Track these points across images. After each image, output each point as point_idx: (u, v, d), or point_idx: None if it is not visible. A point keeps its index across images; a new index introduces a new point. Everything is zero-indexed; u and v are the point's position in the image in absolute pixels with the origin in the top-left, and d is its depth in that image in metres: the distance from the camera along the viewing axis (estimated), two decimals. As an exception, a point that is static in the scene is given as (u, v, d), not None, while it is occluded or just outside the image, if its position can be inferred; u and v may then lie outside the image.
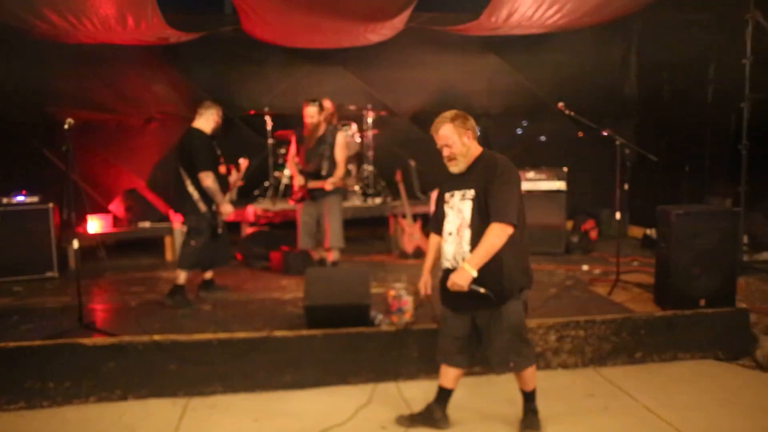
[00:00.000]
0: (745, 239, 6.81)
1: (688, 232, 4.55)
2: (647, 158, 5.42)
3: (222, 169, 5.10)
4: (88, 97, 7.53)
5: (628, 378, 4.23)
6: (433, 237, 3.45)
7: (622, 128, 7.90)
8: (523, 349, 3.29)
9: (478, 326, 3.30)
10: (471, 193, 3.14)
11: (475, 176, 3.17)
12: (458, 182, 3.22)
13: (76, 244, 4.55)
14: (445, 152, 3.19)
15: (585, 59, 7.84)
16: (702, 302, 4.56)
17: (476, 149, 3.24)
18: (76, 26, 5.76)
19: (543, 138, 8.55)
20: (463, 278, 3.04)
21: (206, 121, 5.04)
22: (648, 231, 7.30)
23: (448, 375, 3.46)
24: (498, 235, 3.03)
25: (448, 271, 3.21)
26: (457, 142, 3.16)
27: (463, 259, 3.10)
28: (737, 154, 6.18)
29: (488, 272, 3.07)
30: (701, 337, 4.53)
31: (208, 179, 4.87)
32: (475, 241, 3.09)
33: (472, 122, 3.20)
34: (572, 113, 5.28)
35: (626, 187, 5.53)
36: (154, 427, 3.66)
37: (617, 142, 5.16)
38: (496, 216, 3.05)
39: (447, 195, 3.29)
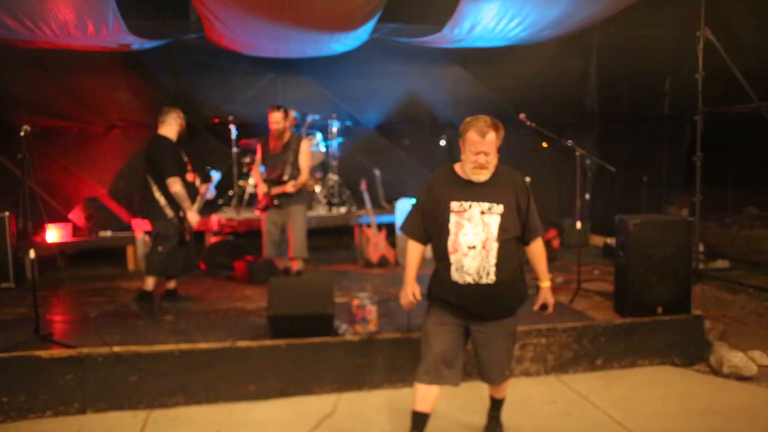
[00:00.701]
0: (701, 248, 7.02)
1: (645, 241, 4.66)
2: (606, 169, 5.56)
3: (189, 177, 5.07)
4: (46, 104, 7.37)
5: (589, 385, 4.31)
6: (416, 246, 3.25)
7: (583, 139, 8.09)
8: (513, 356, 3.39)
9: (474, 338, 3.16)
10: (499, 208, 3.00)
11: (501, 191, 3.04)
12: (477, 193, 3.01)
13: (32, 253, 4.45)
14: (481, 159, 2.95)
15: (546, 71, 7.99)
16: (659, 309, 4.68)
17: (497, 161, 3.07)
18: (33, 31, 5.63)
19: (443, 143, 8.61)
20: (552, 295, 3.28)
21: (169, 126, 5.03)
22: (608, 240, 7.46)
23: (428, 397, 3.12)
24: (544, 249, 3.23)
25: (469, 287, 3.01)
26: (495, 152, 2.99)
27: (488, 273, 2.99)
28: (693, 165, 6.38)
29: (516, 282, 3.12)
30: (659, 344, 4.64)
31: (176, 185, 4.86)
32: (501, 256, 2.99)
33: (503, 132, 3.03)
34: (533, 124, 5.38)
35: (587, 196, 5.66)
36: (113, 440, 3.59)
37: (577, 153, 5.28)
38: (537, 231, 3.14)
39: (456, 204, 3.03)
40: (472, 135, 2.93)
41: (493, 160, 2.98)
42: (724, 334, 4.92)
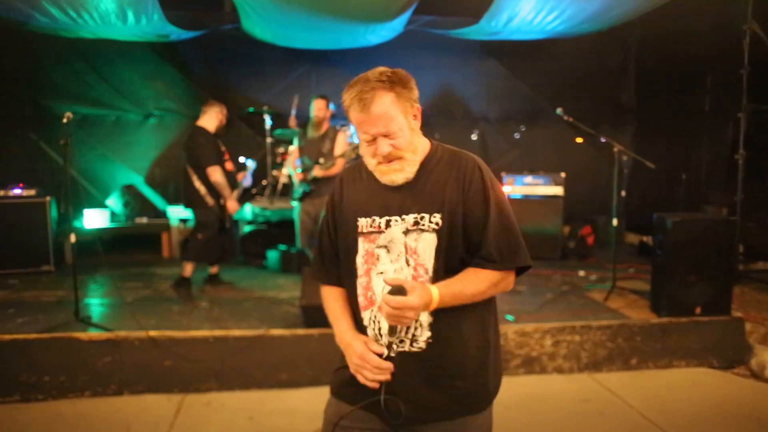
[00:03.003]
0: (741, 248, 6.85)
1: (685, 240, 4.57)
2: (644, 165, 5.45)
3: (228, 166, 5.20)
4: (86, 92, 7.50)
5: (623, 384, 4.24)
6: (332, 291, 1.96)
7: (620, 135, 7.97)
8: None
9: None
10: (434, 220, 1.73)
11: (437, 191, 1.75)
12: (396, 201, 1.78)
13: (73, 238, 4.54)
14: (382, 148, 1.71)
15: (583, 66, 7.87)
16: (697, 310, 4.59)
17: (425, 141, 1.84)
18: (75, 20, 5.74)
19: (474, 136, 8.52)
20: (424, 300, 1.63)
21: (210, 118, 5.19)
22: (644, 238, 7.33)
23: None
24: (494, 283, 1.74)
25: (390, 361, 1.74)
26: (404, 125, 1.72)
27: (415, 336, 1.76)
28: (734, 164, 6.21)
29: (478, 347, 1.81)
30: (696, 345, 4.55)
31: (215, 173, 5.01)
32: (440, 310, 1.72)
33: (416, 91, 1.78)
34: (571, 119, 5.30)
35: (623, 193, 5.56)
36: (149, 423, 3.65)
37: (615, 149, 5.19)
38: (503, 260, 1.73)
39: (365, 222, 1.81)
40: (352, 112, 1.74)
41: (404, 145, 1.72)
42: (765, 337, 4.80)
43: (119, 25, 5.95)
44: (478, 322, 1.81)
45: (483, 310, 1.81)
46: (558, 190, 6.92)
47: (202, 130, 5.14)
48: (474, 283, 1.72)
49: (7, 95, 7.33)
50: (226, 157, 5.26)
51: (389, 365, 1.72)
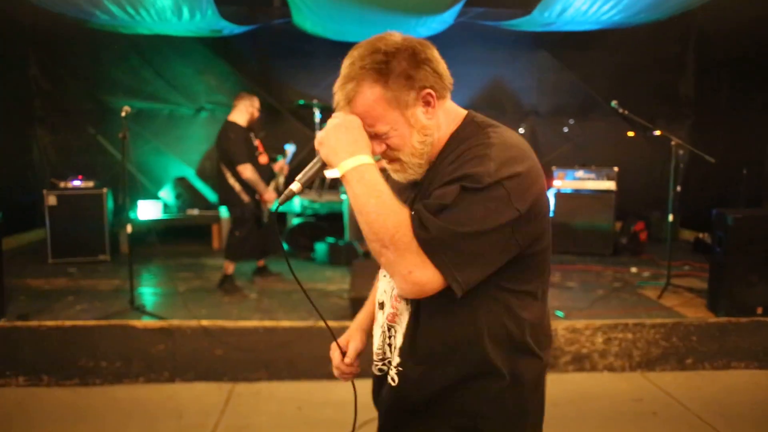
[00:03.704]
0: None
1: (746, 238, 4.39)
2: (700, 160, 5.25)
3: (262, 159, 5.18)
4: (141, 87, 7.71)
5: (678, 384, 4.12)
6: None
7: (676, 128, 7.71)
8: None
9: None
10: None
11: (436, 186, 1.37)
12: (408, 197, 1.51)
13: (129, 228, 4.67)
14: (374, 147, 1.41)
15: (639, 57, 7.64)
16: (759, 310, 4.41)
17: (448, 124, 1.45)
18: (133, 17, 5.90)
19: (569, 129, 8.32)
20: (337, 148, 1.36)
21: (240, 113, 5.13)
22: (701, 235, 7.09)
23: None
24: (393, 237, 1.28)
25: (380, 387, 1.64)
26: (399, 122, 1.38)
27: (389, 366, 1.55)
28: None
29: (461, 393, 1.42)
30: (757, 347, 4.38)
31: (246, 171, 4.97)
32: (415, 330, 1.45)
33: (431, 68, 1.40)
34: (626, 112, 5.15)
35: (678, 189, 5.38)
36: (201, 410, 3.73)
37: (673, 143, 5.02)
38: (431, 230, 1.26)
39: None
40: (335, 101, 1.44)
41: (399, 145, 1.41)
42: (830, 339, 4.59)
43: (175, 20, 6.08)
44: (467, 356, 1.40)
45: (477, 336, 1.38)
46: (610, 185, 6.75)
47: (233, 125, 5.06)
48: (384, 209, 1.29)
49: (68, 91, 7.62)
50: (261, 150, 5.22)
51: (346, 367, 1.66)
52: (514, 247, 1.31)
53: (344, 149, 1.34)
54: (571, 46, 7.60)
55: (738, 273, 4.40)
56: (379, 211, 1.29)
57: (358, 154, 1.33)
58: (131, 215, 6.86)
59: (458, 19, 6.56)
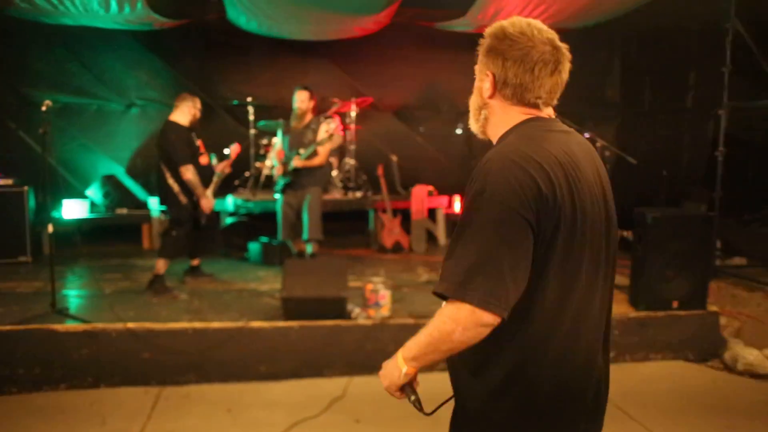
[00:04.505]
0: (719, 244, 6.93)
1: (663, 235, 4.61)
2: (626, 161, 5.48)
3: (203, 159, 5.11)
4: (67, 81, 7.41)
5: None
6: None
7: (603, 131, 7.99)
8: None
9: None
10: None
11: None
12: None
13: (50, 228, 4.49)
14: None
15: (570, 61, 7.89)
16: (675, 304, 4.63)
17: (502, 127, 1.58)
18: (56, 7, 5.66)
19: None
20: (388, 374, 1.61)
21: (182, 113, 5.04)
22: (625, 233, 7.38)
23: None
24: (453, 318, 1.38)
25: None
26: (477, 84, 1.63)
27: None
28: (714, 160, 6.28)
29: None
30: (673, 339, 4.60)
31: (188, 173, 4.89)
32: None
33: (497, 54, 1.55)
34: (555, 114, 5.31)
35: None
36: (126, 415, 3.64)
37: (598, 144, 5.22)
38: (440, 279, 1.42)
39: None
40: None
41: (470, 101, 1.68)
42: (739, 331, 4.86)
43: (101, 12, 5.87)
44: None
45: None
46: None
47: (174, 125, 4.98)
48: (435, 324, 1.41)
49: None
50: (202, 150, 5.15)
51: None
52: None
53: (387, 372, 1.60)
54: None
55: (656, 269, 4.61)
56: (441, 335, 1.41)
57: (399, 357, 1.56)
58: (55, 214, 6.59)
59: (394, 19, 6.60)
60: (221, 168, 5.27)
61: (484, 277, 1.31)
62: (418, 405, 1.60)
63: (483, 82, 1.55)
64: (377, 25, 6.61)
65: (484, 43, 1.57)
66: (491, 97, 1.54)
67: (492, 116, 1.57)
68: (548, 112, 1.57)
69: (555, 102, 1.57)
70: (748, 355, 4.36)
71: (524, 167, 1.36)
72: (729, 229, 7.71)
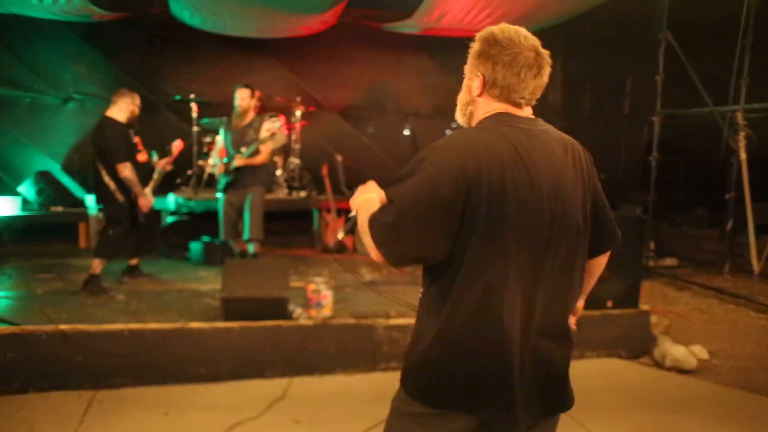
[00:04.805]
0: (652, 246, 7.21)
1: (599, 237, 4.75)
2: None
3: (141, 157, 4.96)
4: (-2, 71, 7.12)
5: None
6: None
7: (545, 134, 8.21)
8: None
9: None
10: None
11: None
12: None
13: (-23, 226, 4.30)
14: None
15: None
16: (609, 303, 4.79)
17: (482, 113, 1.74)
18: (-13, -5, 5.43)
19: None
20: (358, 197, 1.79)
21: (120, 109, 4.88)
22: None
23: None
24: (366, 230, 1.65)
25: None
26: (465, 81, 1.80)
27: None
28: (648, 165, 6.53)
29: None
30: (606, 337, 4.75)
31: (125, 170, 4.76)
32: None
33: (481, 55, 1.72)
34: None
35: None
36: (55, 421, 3.51)
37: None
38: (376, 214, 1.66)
39: None
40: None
41: (458, 97, 1.85)
42: (668, 329, 5.07)
43: (34, 1, 5.65)
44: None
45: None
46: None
47: (111, 122, 4.81)
48: (365, 223, 1.65)
49: None
50: (140, 147, 5.00)
51: None
52: None
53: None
54: (450, 51, 7.86)
55: (592, 270, 4.74)
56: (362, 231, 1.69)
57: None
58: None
59: (341, 19, 6.60)
60: (162, 165, 5.16)
61: (390, 233, 1.56)
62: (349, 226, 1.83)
63: (473, 81, 1.73)
64: (323, 25, 6.60)
65: (475, 47, 1.74)
66: (480, 95, 1.72)
67: (476, 111, 1.75)
68: (527, 111, 1.73)
69: (534, 102, 1.73)
70: (675, 351, 4.54)
71: (459, 151, 1.57)
72: (662, 231, 8.04)
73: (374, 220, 1.60)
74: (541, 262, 1.61)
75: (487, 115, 1.70)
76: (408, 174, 1.59)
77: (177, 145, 5.26)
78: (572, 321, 1.81)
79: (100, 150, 4.79)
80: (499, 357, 1.59)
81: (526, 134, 1.65)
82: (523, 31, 1.72)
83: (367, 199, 1.72)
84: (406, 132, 8.56)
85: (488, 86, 1.69)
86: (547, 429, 1.80)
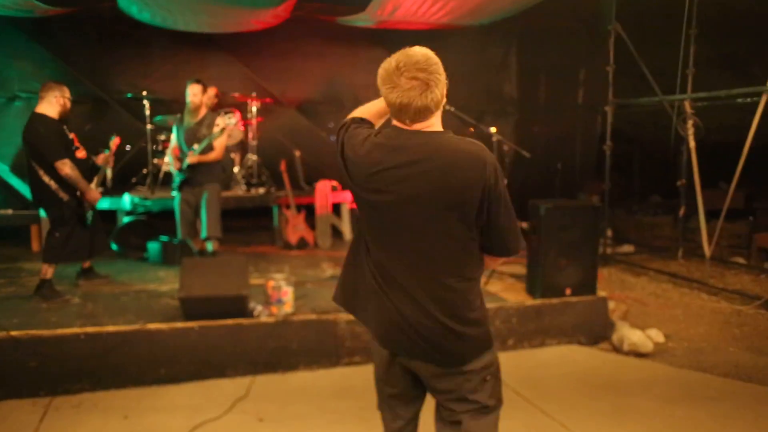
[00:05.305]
0: (610, 233, 7.37)
1: (556, 225, 4.84)
2: (523, 154, 5.71)
3: (80, 153, 4.77)
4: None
5: (501, 364, 4.42)
6: None
7: (502, 126, 8.27)
8: None
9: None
10: None
11: None
12: None
13: None
14: None
15: (468, 58, 8.10)
16: (568, 291, 4.88)
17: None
18: None
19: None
20: None
21: (50, 104, 4.63)
22: (524, 224, 7.69)
23: None
24: None
25: None
26: None
27: None
28: (603, 154, 6.67)
29: None
30: (566, 324, 4.84)
31: (65, 167, 4.54)
32: None
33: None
34: (452, 109, 5.44)
35: (505, 182, 5.80)
36: (9, 429, 3.40)
37: (494, 138, 5.39)
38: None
39: None
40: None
41: None
42: (626, 314, 5.20)
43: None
44: None
45: None
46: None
47: (43, 118, 4.57)
48: None
49: None
50: (76, 143, 4.77)
51: None
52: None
53: None
54: (407, 44, 7.84)
55: (550, 258, 4.84)
56: None
57: None
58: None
59: (294, 14, 6.54)
60: (103, 161, 4.96)
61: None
62: None
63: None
64: (276, 19, 6.53)
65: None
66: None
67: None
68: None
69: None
70: (633, 336, 4.66)
71: None
72: (618, 219, 8.23)
73: (516, 229, 2.00)
74: (402, 245, 2.01)
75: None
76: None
77: (115, 141, 5.09)
78: None
79: (33, 149, 4.54)
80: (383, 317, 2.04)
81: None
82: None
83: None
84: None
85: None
86: None
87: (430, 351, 1.95)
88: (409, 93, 1.82)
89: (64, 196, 4.64)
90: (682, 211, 6.41)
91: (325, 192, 7.03)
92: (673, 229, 7.64)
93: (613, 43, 6.50)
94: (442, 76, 1.88)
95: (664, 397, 3.91)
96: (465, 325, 1.95)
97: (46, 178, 4.58)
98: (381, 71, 1.87)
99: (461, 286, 1.95)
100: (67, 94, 4.74)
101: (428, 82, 1.82)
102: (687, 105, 5.86)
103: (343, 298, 2.16)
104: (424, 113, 1.86)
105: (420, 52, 1.87)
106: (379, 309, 1.99)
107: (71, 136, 4.74)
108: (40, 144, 4.51)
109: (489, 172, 1.84)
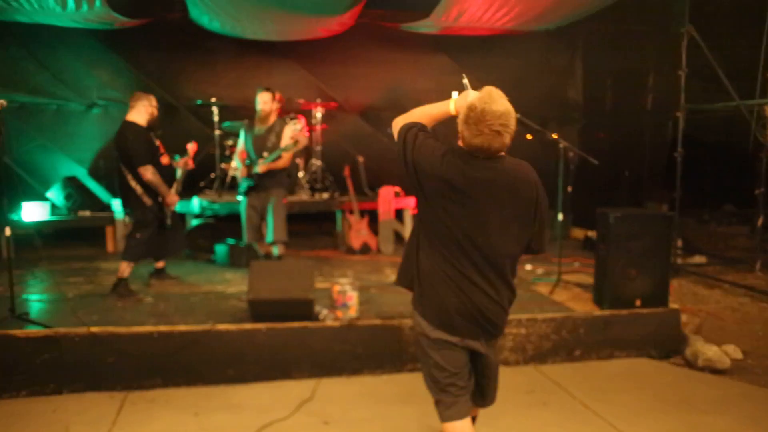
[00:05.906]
0: (680, 243, 7.11)
1: (625, 235, 4.71)
2: (589, 162, 5.58)
3: (164, 159, 5.01)
4: (24, 80, 7.21)
5: (567, 375, 4.35)
6: None
7: (566, 132, 8.14)
8: None
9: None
10: None
11: None
12: None
13: (8, 231, 4.37)
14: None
15: (532, 64, 8.00)
16: (637, 302, 4.73)
17: None
18: (9, 3, 5.50)
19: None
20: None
21: (139, 113, 4.93)
22: (589, 233, 7.52)
23: None
24: None
25: None
26: None
27: None
28: (673, 161, 6.44)
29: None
30: (636, 336, 4.69)
31: (147, 173, 4.80)
32: None
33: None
34: (518, 116, 5.37)
35: (569, 189, 5.69)
36: (89, 421, 3.55)
37: (561, 145, 5.30)
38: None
39: None
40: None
41: None
42: (699, 328, 5.00)
43: (58, 10, 5.73)
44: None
45: None
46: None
47: (132, 126, 4.86)
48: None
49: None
50: (162, 150, 5.03)
51: None
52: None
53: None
54: (470, 50, 7.84)
55: (618, 268, 4.70)
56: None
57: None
58: (13, 217, 6.42)
59: (359, 20, 6.61)
60: (182, 164, 5.19)
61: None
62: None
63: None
64: (342, 27, 6.61)
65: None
66: None
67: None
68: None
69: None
70: (708, 351, 4.47)
71: None
72: (689, 228, 7.94)
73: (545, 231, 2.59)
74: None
75: None
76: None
77: (192, 146, 5.31)
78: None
79: (123, 154, 4.84)
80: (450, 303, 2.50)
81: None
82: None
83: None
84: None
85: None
86: None
87: (492, 330, 2.47)
88: (489, 138, 2.25)
89: (147, 201, 4.89)
90: (760, 221, 6.12)
91: (389, 198, 7.05)
92: (749, 240, 7.31)
93: (686, 46, 6.28)
94: (513, 126, 2.31)
95: (742, 417, 3.73)
96: (510, 306, 2.52)
97: (132, 183, 4.84)
98: (467, 114, 2.27)
99: (513, 279, 2.50)
100: (155, 102, 5.02)
101: (504, 133, 2.26)
102: (767, 110, 5.60)
103: (408, 280, 2.64)
104: (496, 153, 2.33)
105: (503, 106, 2.26)
106: (452, 301, 2.42)
107: (157, 143, 4.98)
108: (128, 149, 4.78)
109: (539, 191, 2.44)
